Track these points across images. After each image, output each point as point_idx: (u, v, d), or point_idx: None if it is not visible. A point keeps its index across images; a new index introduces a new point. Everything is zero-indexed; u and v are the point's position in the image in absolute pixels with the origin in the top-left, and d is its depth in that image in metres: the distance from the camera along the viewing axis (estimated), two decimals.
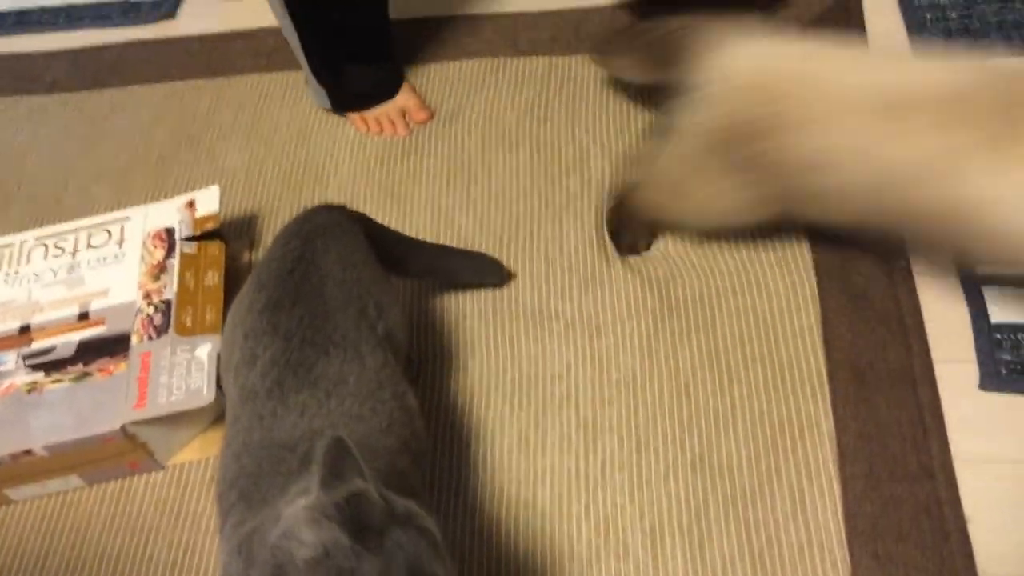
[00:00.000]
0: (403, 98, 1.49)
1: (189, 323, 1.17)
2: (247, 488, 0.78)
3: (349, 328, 0.92)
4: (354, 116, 1.50)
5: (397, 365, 0.95)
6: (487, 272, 1.26)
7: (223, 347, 1.00)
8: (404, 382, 0.93)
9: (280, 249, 1.00)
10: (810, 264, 1.22)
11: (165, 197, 1.43)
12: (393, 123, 1.48)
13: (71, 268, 1.26)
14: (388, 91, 1.48)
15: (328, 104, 1.50)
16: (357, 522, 0.64)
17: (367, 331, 0.93)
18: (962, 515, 0.99)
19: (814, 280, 1.20)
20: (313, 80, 1.47)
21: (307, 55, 1.43)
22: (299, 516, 0.65)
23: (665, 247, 1.27)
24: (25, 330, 1.20)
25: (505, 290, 1.26)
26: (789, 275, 1.21)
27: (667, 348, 1.17)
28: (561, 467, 1.09)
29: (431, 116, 1.49)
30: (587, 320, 1.21)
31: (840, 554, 0.98)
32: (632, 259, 1.26)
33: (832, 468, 1.04)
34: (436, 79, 1.55)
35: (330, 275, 0.96)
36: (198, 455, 1.16)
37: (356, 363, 0.89)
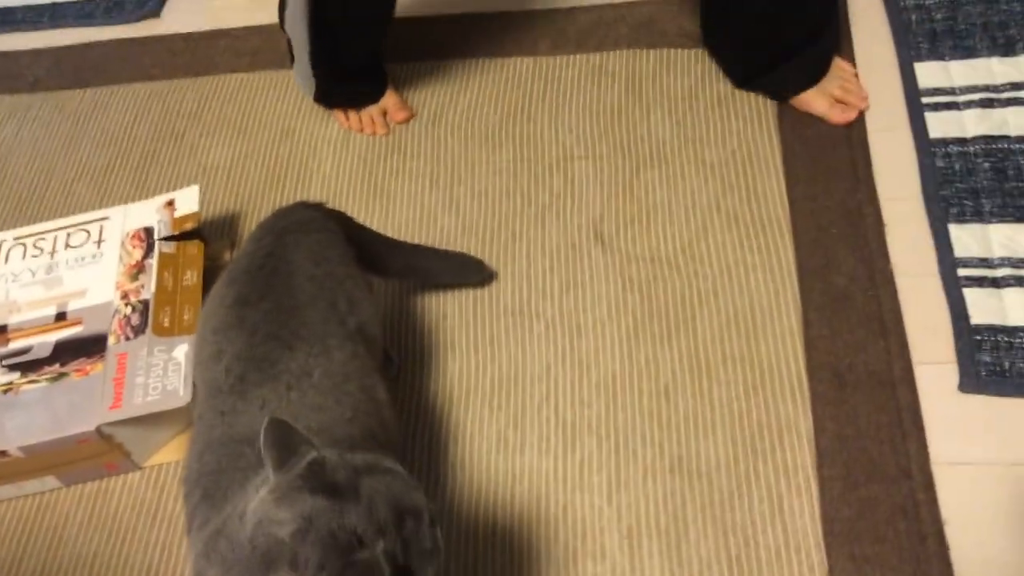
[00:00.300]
0: (384, 98, 1.48)
1: (167, 323, 1.16)
2: (210, 486, 0.77)
3: (317, 322, 0.91)
4: (337, 111, 1.50)
5: (370, 359, 0.94)
6: (468, 271, 1.25)
7: (195, 343, 0.99)
8: (375, 375, 0.93)
9: (253, 245, 0.99)
10: (792, 266, 1.21)
11: (148, 196, 1.42)
12: (373, 121, 1.47)
13: (49, 268, 1.25)
14: (375, 97, 1.48)
15: (313, 95, 1.49)
16: (326, 484, 0.64)
17: (336, 325, 0.92)
18: (939, 517, 0.98)
19: (796, 282, 1.20)
20: (308, 73, 1.46)
21: (312, 58, 1.42)
22: (266, 502, 0.64)
23: (648, 248, 1.26)
24: (2, 330, 1.20)
25: (486, 290, 1.26)
26: (771, 277, 1.21)
27: (648, 350, 1.16)
28: (539, 468, 1.09)
29: (411, 116, 1.49)
30: (568, 321, 1.21)
31: (817, 556, 0.98)
32: (614, 260, 1.26)
33: (810, 470, 1.04)
34: (420, 79, 1.55)
35: (300, 270, 0.95)
36: (175, 456, 1.16)
37: (323, 357, 0.88)
